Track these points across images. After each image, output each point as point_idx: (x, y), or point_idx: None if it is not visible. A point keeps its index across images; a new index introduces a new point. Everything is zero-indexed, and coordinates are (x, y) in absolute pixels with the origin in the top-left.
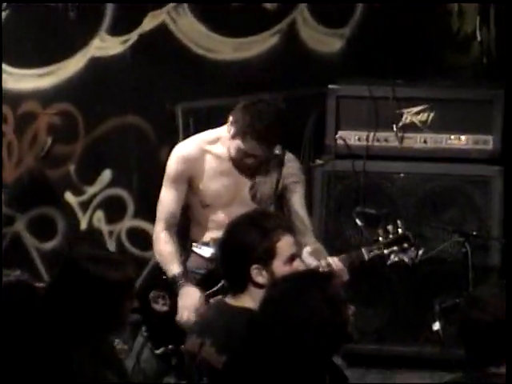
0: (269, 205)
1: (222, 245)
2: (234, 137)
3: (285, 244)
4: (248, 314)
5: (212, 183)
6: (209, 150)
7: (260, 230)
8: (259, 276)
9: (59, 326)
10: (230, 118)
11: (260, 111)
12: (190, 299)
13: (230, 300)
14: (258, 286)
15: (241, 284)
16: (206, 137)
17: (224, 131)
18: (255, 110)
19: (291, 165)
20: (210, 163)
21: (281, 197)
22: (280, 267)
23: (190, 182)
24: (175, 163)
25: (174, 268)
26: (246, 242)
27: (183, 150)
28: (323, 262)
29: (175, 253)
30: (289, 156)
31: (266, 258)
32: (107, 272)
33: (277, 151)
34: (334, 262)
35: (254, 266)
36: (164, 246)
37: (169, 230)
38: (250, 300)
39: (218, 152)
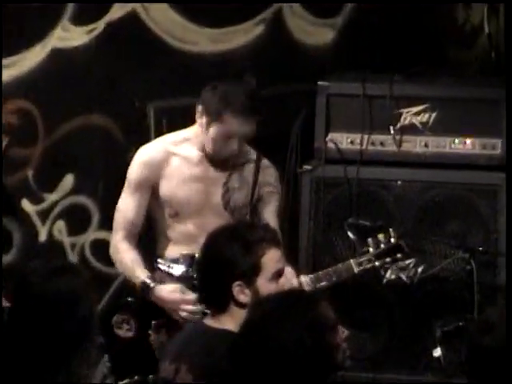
0: (243, 215)
1: (201, 260)
2: (209, 124)
3: (270, 259)
4: (229, 337)
5: (180, 189)
6: (175, 152)
7: (243, 244)
8: (241, 294)
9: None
10: (199, 108)
11: (232, 85)
12: (172, 293)
13: (208, 321)
14: (241, 305)
15: (221, 303)
16: (172, 138)
17: (192, 131)
18: (226, 86)
19: (268, 172)
20: (176, 167)
21: (255, 207)
22: (265, 285)
23: (154, 190)
24: (137, 168)
25: (140, 274)
26: (228, 257)
27: (146, 154)
28: (295, 281)
29: (139, 261)
30: (265, 162)
31: (250, 274)
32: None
33: (252, 155)
34: (305, 281)
35: (237, 284)
36: (124, 253)
37: (129, 241)
38: (230, 321)
39: (186, 154)
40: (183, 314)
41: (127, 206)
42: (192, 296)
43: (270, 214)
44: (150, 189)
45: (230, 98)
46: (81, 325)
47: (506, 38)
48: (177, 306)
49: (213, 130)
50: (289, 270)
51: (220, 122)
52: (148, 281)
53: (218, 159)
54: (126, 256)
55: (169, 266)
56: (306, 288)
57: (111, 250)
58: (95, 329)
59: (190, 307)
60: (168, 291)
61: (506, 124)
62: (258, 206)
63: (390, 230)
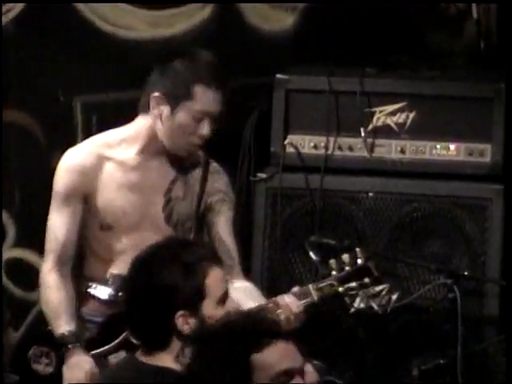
0: (188, 229)
1: (132, 287)
2: (174, 108)
3: (214, 280)
4: (170, 378)
5: (114, 199)
6: (109, 156)
7: (182, 265)
8: (186, 325)
9: None
10: (154, 96)
11: (195, 56)
12: (78, 373)
13: (143, 357)
14: (184, 338)
15: (160, 338)
16: (105, 139)
17: (131, 130)
18: (189, 58)
19: (217, 178)
20: (110, 173)
21: (202, 219)
22: (211, 311)
23: (85, 200)
24: (65, 176)
25: (62, 325)
26: (167, 283)
27: (75, 159)
28: (281, 301)
29: (67, 303)
30: (214, 166)
31: (194, 301)
32: None
33: (199, 159)
34: (293, 301)
35: (180, 313)
36: (53, 292)
37: (61, 268)
38: (170, 357)
39: (123, 158)
40: None
41: (56, 224)
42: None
43: (223, 226)
44: (82, 200)
45: (196, 70)
46: None
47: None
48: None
49: (180, 114)
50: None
51: (189, 99)
52: (67, 338)
53: (172, 158)
54: (53, 295)
55: (95, 289)
56: (297, 308)
57: (40, 280)
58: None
59: None
60: (76, 366)
61: (503, 126)
62: (207, 216)
63: (357, 249)
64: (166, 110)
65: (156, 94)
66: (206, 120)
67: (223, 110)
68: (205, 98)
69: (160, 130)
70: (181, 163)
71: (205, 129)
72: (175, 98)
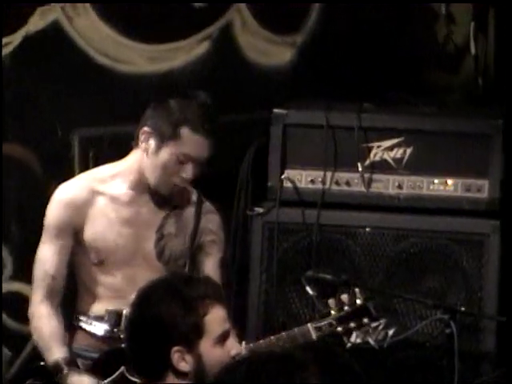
0: (180, 266)
1: (132, 321)
2: (159, 147)
3: (215, 318)
4: None
5: (106, 234)
6: (101, 191)
7: (182, 301)
8: (182, 362)
9: None
10: (144, 130)
11: (187, 100)
12: None
13: None
14: (180, 374)
15: (156, 372)
16: (97, 174)
17: (124, 165)
18: (180, 100)
19: (210, 218)
20: (102, 208)
21: (193, 257)
22: (209, 350)
23: (76, 235)
24: (57, 210)
25: (55, 352)
26: (164, 318)
27: (67, 193)
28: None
29: (58, 331)
30: (207, 206)
31: (191, 337)
32: None
33: (193, 197)
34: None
35: (176, 349)
36: (43, 322)
37: (51, 300)
38: None
39: (115, 193)
40: None
41: (46, 256)
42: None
43: (210, 267)
44: (73, 234)
45: (187, 113)
46: None
47: (498, 49)
48: None
49: (164, 152)
50: None
51: (175, 140)
52: (62, 364)
53: (161, 195)
54: (43, 325)
55: (91, 324)
56: None
57: (29, 312)
58: None
59: None
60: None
61: (501, 162)
62: (197, 256)
63: (356, 289)
64: (152, 145)
65: (146, 128)
66: (190, 164)
67: (207, 158)
68: (191, 142)
69: (145, 164)
70: (173, 200)
71: (187, 172)
72: (162, 136)
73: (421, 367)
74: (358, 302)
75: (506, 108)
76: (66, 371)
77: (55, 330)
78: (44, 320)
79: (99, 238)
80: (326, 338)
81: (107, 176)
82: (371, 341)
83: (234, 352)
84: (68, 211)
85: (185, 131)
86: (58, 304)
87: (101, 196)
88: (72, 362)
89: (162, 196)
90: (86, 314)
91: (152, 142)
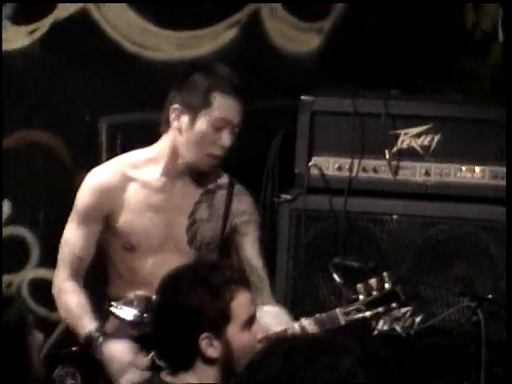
0: (211, 251)
1: (158, 307)
2: (193, 120)
3: (241, 303)
4: None
5: (138, 220)
6: (134, 176)
7: (208, 287)
8: (210, 348)
9: None
10: (174, 108)
11: (209, 68)
12: (124, 354)
13: (169, 378)
14: (209, 361)
15: (185, 359)
16: (130, 159)
17: (156, 150)
18: (208, 68)
19: (242, 199)
20: (134, 194)
21: (227, 241)
22: (237, 335)
23: (107, 220)
24: (88, 195)
25: (87, 323)
26: (192, 304)
27: (99, 178)
28: (296, 325)
29: (87, 305)
30: (239, 188)
31: (219, 323)
32: None
33: (224, 180)
34: (310, 324)
35: (204, 336)
36: (71, 296)
37: (76, 278)
38: (195, 379)
39: (147, 179)
40: (129, 378)
41: (74, 238)
42: (145, 360)
43: (250, 247)
44: (103, 220)
45: (213, 79)
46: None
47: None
48: (125, 369)
49: (199, 124)
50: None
51: (207, 108)
52: (96, 334)
53: (194, 179)
54: (72, 299)
55: (120, 309)
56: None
57: (54, 290)
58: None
59: (139, 373)
60: (119, 350)
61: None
62: (234, 238)
63: (384, 273)
64: (185, 120)
65: (175, 105)
66: (226, 129)
67: (240, 124)
68: (223, 106)
69: (180, 143)
70: (205, 184)
71: (225, 138)
72: (194, 108)
73: (447, 354)
74: (387, 286)
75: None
76: (100, 340)
77: (84, 303)
78: (72, 295)
79: (130, 224)
80: (353, 323)
81: (140, 161)
82: (398, 328)
83: (260, 336)
84: (99, 196)
85: (216, 97)
86: (82, 285)
87: (133, 182)
88: (104, 332)
89: (195, 180)
90: (116, 298)
91: (184, 118)
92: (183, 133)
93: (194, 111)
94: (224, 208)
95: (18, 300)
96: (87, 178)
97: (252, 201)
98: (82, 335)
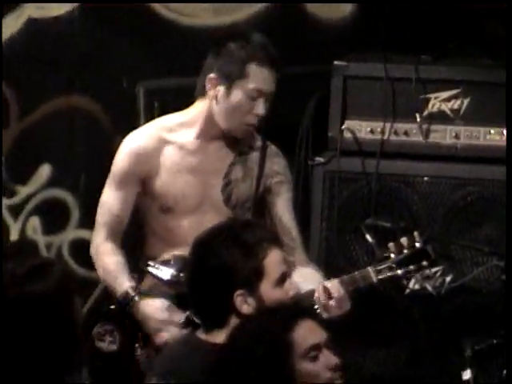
0: (246, 210)
1: (193, 266)
2: (229, 89)
3: (273, 261)
4: None
5: (174, 182)
6: (169, 139)
7: (241, 246)
8: (245, 304)
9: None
10: (210, 77)
11: (245, 39)
12: (160, 311)
13: (203, 335)
14: (242, 317)
15: (220, 316)
16: (166, 123)
17: (190, 114)
18: (242, 39)
19: (276, 160)
20: (170, 156)
21: (261, 201)
22: (269, 291)
23: (144, 183)
24: (125, 158)
25: (124, 282)
26: (226, 263)
27: (136, 142)
28: (320, 287)
29: (124, 265)
30: (272, 149)
31: (252, 280)
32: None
33: (258, 142)
34: (334, 286)
35: (238, 293)
36: (109, 257)
37: (113, 239)
38: None
39: (183, 142)
40: (166, 336)
41: (112, 200)
42: (181, 317)
43: (282, 207)
44: (139, 183)
45: (249, 50)
46: (65, 333)
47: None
48: (161, 327)
49: (235, 93)
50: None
51: (243, 78)
52: (132, 292)
53: (228, 141)
54: (110, 259)
55: (157, 269)
56: (336, 293)
57: (92, 251)
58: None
59: (176, 330)
60: (155, 308)
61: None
62: (267, 198)
63: (415, 232)
64: (221, 90)
65: (211, 75)
66: (261, 99)
67: (273, 94)
68: (258, 76)
69: (216, 111)
70: (239, 147)
71: (260, 108)
72: (230, 78)
73: (477, 313)
74: (418, 245)
75: None
76: (137, 298)
77: (121, 263)
78: (109, 255)
79: (167, 186)
80: (385, 281)
81: (175, 125)
82: (429, 287)
83: (292, 293)
84: (136, 160)
85: (252, 67)
86: (119, 246)
87: (169, 144)
88: (141, 291)
89: (229, 142)
90: (152, 258)
91: (220, 87)
92: (219, 102)
93: (230, 81)
94: (258, 169)
95: (58, 265)
96: (124, 143)
97: (285, 162)
98: (118, 293)
